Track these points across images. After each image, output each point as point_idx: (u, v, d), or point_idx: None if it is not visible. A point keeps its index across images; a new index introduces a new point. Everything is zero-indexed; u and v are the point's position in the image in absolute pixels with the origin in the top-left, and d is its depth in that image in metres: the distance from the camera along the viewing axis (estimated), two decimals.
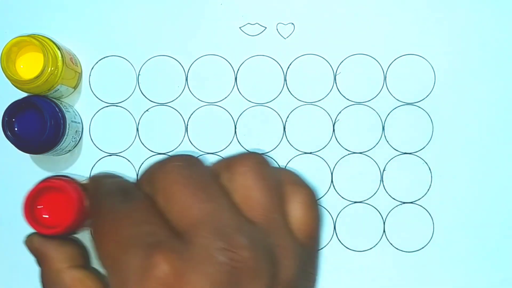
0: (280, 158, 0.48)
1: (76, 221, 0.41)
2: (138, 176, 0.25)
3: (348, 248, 0.47)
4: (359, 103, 0.48)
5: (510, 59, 0.47)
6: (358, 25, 0.47)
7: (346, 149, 0.48)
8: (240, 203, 0.23)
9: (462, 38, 0.47)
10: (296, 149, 0.48)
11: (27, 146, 0.43)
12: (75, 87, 0.48)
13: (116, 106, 0.48)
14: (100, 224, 0.24)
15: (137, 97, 0.48)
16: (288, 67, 0.48)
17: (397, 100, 0.48)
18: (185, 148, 0.48)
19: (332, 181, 0.48)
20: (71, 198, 0.40)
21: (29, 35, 0.43)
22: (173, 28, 0.48)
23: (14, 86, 0.43)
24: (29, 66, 0.43)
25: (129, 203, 0.24)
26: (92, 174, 0.48)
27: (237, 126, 0.48)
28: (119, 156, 0.48)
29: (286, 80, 0.48)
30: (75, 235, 0.36)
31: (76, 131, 0.47)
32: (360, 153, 0.48)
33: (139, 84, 0.48)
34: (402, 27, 0.47)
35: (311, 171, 0.48)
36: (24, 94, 0.45)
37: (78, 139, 0.47)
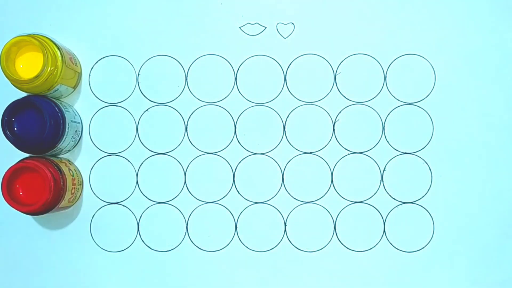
0: (280, 158, 0.48)
1: (52, 199, 0.43)
2: None
3: (348, 248, 0.47)
4: (359, 103, 0.48)
5: (510, 59, 0.47)
6: (358, 25, 0.47)
7: (346, 149, 0.48)
8: None
9: (462, 38, 0.47)
10: (296, 149, 0.48)
11: (27, 145, 0.43)
12: (74, 87, 0.48)
13: (116, 106, 0.48)
14: None
15: (136, 97, 0.48)
16: (288, 67, 0.48)
17: (397, 100, 0.48)
18: (185, 148, 0.48)
19: (332, 181, 0.48)
20: (46, 177, 0.42)
21: (28, 35, 0.43)
22: (173, 28, 0.48)
23: (14, 85, 0.43)
24: (29, 65, 0.43)
25: None
26: (92, 174, 0.48)
27: (237, 126, 0.48)
28: (119, 156, 0.48)
29: (286, 80, 0.48)
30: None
31: (76, 131, 0.47)
32: (360, 153, 0.48)
33: (139, 84, 0.48)
34: (402, 27, 0.47)
35: (311, 171, 0.48)
36: (24, 94, 0.45)
37: (78, 139, 0.47)
